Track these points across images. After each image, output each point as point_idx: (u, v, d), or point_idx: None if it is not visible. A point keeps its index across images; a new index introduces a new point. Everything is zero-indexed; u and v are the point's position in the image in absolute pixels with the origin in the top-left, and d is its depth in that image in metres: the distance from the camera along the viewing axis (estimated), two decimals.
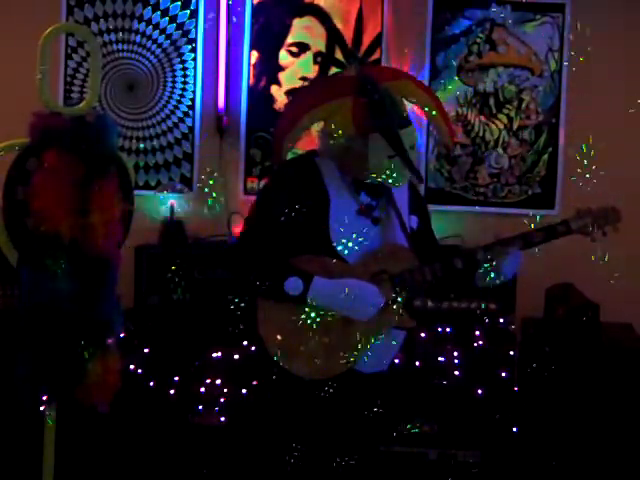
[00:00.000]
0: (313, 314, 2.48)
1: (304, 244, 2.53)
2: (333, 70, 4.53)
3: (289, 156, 2.64)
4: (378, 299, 2.50)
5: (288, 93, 4.54)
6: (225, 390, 3.98)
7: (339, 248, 2.53)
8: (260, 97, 4.54)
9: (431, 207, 4.36)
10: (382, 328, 2.53)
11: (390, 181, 2.57)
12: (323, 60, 4.55)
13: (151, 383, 3.98)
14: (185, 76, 4.58)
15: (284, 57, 4.57)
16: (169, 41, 4.57)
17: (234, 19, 4.44)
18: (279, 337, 2.51)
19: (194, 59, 4.56)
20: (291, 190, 2.52)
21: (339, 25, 4.55)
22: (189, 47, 4.56)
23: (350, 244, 2.53)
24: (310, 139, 2.67)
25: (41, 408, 3.18)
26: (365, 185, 2.59)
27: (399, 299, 2.53)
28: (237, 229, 4.19)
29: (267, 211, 2.55)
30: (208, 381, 3.98)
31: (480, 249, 2.58)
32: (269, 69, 4.57)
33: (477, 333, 4.01)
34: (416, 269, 2.57)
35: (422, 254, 2.63)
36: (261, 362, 2.59)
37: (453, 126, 2.87)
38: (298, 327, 2.49)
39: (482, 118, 4.53)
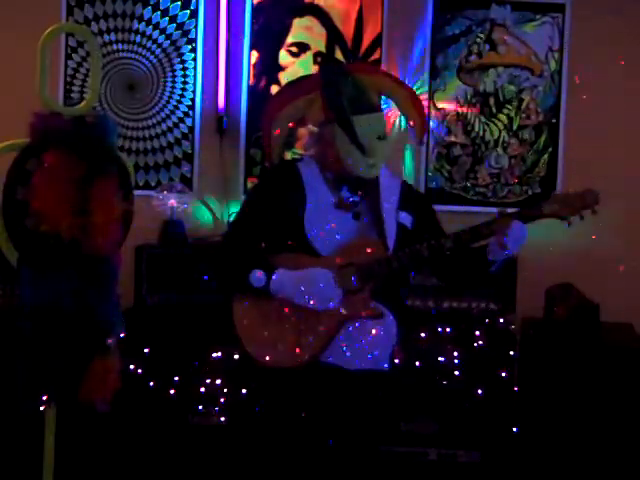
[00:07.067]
0: (282, 306, 2.53)
1: (284, 243, 2.58)
2: None
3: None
4: (333, 288, 2.51)
5: None
6: (225, 390, 3.99)
7: (316, 245, 2.57)
8: (260, 97, 4.52)
9: None
10: (348, 318, 2.54)
11: (362, 170, 2.60)
12: (323, 60, 4.55)
13: (151, 383, 3.98)
14: (185, 76, 4.57)
15: (284, 57, 4.57)
16: (169, 41, 4.57)
17: None
18: (253, 333, 2.55)
19: (194, 59, 4.56)
20: (269, 193, 2.63)
21: (339, 25, 4.55)
22: (189, 47, 4.56)
23: (326, 239, 2.57)
24: None
25: (41, 408, 3.18)
26: (347, 180, 2.63)
27: (364, 288, 2.54)
28: None
29: (246, 213, 2.67)
30: (208, 381, 3.98)
31: (449, 237, 2.58)
32: (269, 69, 4.57)
33: (477, 333, 4.01)
34: (383, 259, 2.56)
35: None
36: (243, 362, 2.63)
37: (425, 123, 2.97)
38: (270, 321, 2.53)
39: (482, 118, 4.53)
